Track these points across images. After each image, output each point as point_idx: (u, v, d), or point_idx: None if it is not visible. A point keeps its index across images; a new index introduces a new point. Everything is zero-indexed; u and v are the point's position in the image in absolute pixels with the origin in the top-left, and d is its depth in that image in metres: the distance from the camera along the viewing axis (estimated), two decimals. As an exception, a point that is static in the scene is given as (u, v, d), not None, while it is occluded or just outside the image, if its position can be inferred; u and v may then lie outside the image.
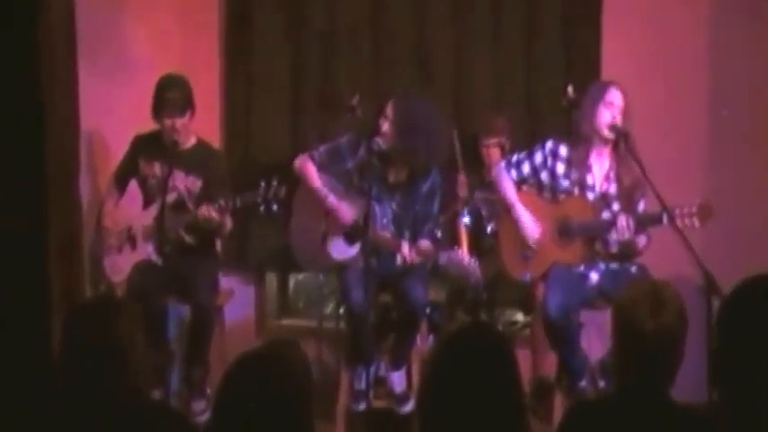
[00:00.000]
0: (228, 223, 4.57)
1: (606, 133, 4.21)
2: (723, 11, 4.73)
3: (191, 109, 4.58)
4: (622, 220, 4.06)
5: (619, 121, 4.18)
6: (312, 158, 4.60)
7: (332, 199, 4.52)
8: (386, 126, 4.41)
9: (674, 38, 4.80)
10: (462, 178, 4.82)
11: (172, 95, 4.50)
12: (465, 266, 4.24)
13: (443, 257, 4.25)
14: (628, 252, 4.26)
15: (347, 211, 4.51)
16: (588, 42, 4.89)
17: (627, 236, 4.07)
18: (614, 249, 4.26)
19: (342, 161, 4.58)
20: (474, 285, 4.44)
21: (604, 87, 4.26)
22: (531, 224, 4.34)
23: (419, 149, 4.39)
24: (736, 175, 4.74)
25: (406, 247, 4.31)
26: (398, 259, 4.34)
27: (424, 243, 4.40)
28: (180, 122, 4.54)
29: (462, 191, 4.77)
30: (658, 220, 3.97)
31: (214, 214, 4.40)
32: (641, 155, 4.09)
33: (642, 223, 4.09)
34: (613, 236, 4.12)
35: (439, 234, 4.63)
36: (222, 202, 4.41)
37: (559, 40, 4.97)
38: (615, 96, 4.20)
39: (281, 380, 2.10)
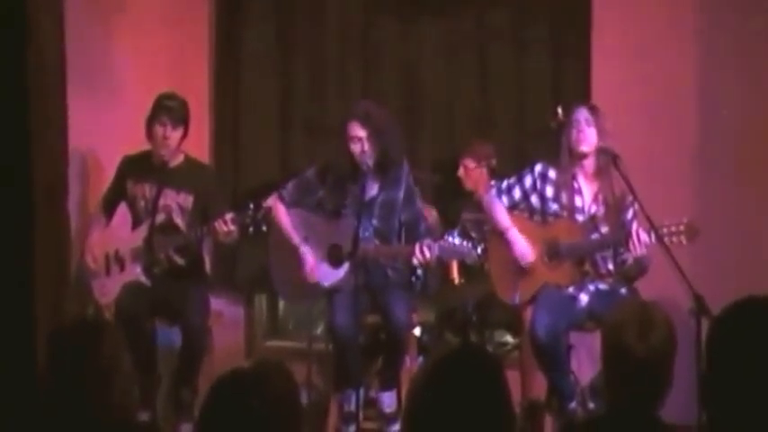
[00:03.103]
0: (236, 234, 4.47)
1: (581, 148, 4.19)
2: (711, 42, 4.76)
3: (184, 126, 4.55)
4: (637, 232, 3.97)
5: (591, 137, 4.16)
6: (281, 198, 4.58)
7: (298, 242, 4.51)
8: (361, 146, 4.36)
9: (663, 63, 4.82)
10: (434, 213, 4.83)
11: (170, 104, 4.50)
12: (459, 249, 4.22)
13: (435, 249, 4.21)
14: (640, 269, 4.17)
15: (310, 260, 4.49)
16: (577, 69, 4.93)
17: (644, 251, 3.98)
18: (629, 265, 4.17)
19: (312, 193, 4.56)
20: (474, 262, 4.37)
21: (574, 107, 4.26)
22: (525, 247, 4.31)
23: (395, 146, 4.40)
24: (724, 196, 4.75)
25: (418, 249, 4.23)
26: (415, 261, 4.26)
27: (428, 242, 4.29)
28: (171, 134, 4.50)
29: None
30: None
31: (232, 227, 4.35)
32: (629, 174, 4.07)
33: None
34: (631, 251, 4.01)
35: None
36: (232, 215, 4.35)
37: (549, 66, 5.00)
38: (580, 113, 4.19)
39: (264, 400, 2.08)
